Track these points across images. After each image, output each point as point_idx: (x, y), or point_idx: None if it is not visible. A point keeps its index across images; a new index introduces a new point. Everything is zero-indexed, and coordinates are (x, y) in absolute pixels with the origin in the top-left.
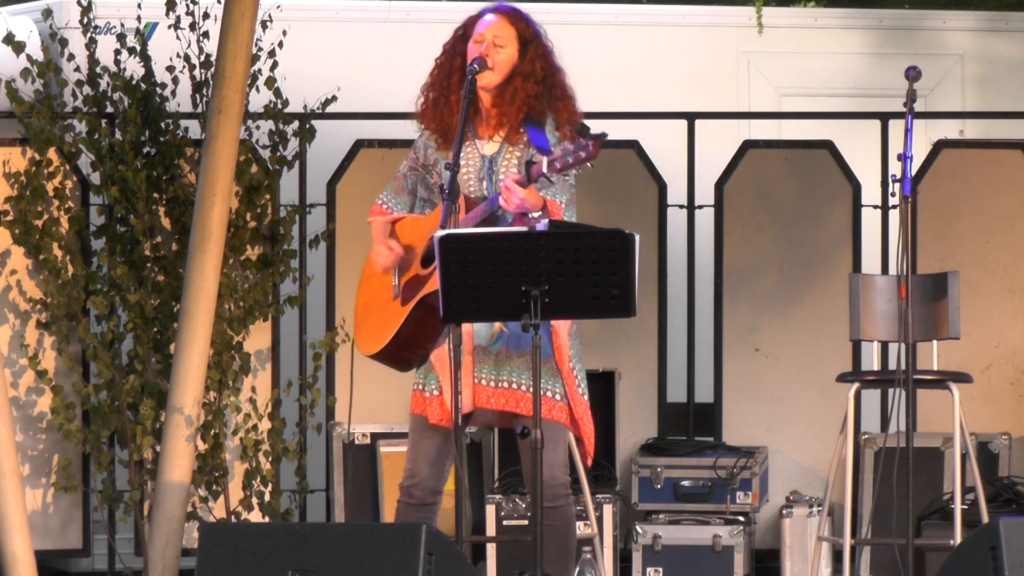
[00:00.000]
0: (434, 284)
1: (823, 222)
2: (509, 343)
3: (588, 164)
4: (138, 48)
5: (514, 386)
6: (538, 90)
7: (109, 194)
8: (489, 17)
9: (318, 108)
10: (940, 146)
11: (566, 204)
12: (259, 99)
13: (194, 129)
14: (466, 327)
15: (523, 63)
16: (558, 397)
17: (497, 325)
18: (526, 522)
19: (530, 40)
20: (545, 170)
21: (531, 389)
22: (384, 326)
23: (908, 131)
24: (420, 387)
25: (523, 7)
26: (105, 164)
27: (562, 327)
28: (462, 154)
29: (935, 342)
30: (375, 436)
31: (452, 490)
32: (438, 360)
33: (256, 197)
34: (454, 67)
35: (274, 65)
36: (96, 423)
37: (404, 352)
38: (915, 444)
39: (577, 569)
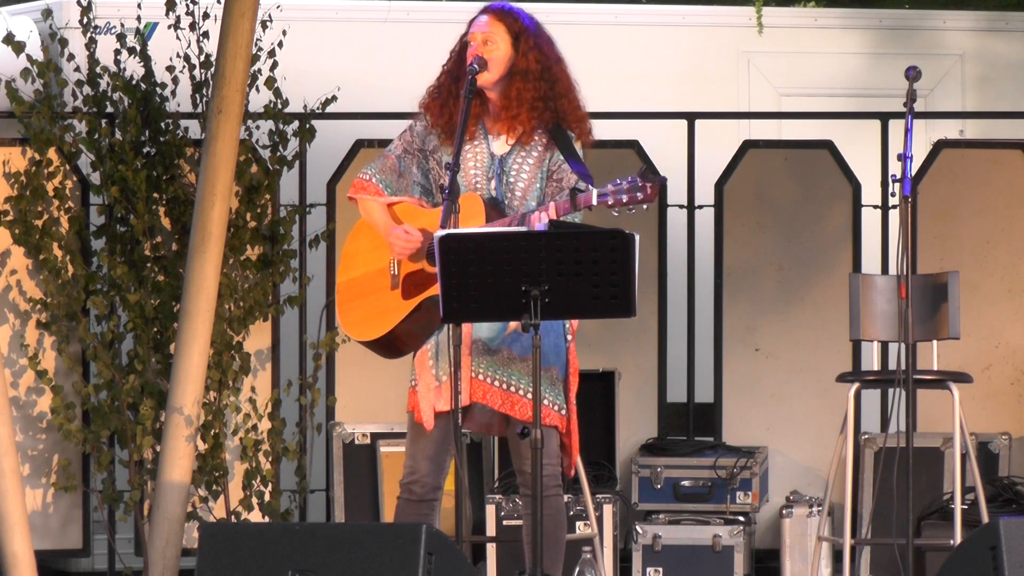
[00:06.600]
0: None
1: (823, 222)
2: (512, 345)
3: (643, 206)
4: (138, 48)
5: (512, 389)
6: (542, 88)
7: (109, 194)
8: (480, 18)
9: (318, 108)
10: (940, 146)
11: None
12: (259, 99)
13: (194, 129)
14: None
15: (517, 58)
16: (555, 408)
17: (512, 325)
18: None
19: (520, 33)
20: (595, 202)
21: (529, 395)
22: (382, 315)
23: (908, 131)
24: (414, 384)
25: (523, 6)
26: (105, 164)
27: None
28: (468, 150)
29: (935, 342)
30: (375, 436)
31: (452, 490)
32: (417, 356)
33: (256, 197)
34: (461, 73)
35: (274, 65)
36: (96, 423)
37: (399, 344)
38: (915, 444)
39: (577, 569)
